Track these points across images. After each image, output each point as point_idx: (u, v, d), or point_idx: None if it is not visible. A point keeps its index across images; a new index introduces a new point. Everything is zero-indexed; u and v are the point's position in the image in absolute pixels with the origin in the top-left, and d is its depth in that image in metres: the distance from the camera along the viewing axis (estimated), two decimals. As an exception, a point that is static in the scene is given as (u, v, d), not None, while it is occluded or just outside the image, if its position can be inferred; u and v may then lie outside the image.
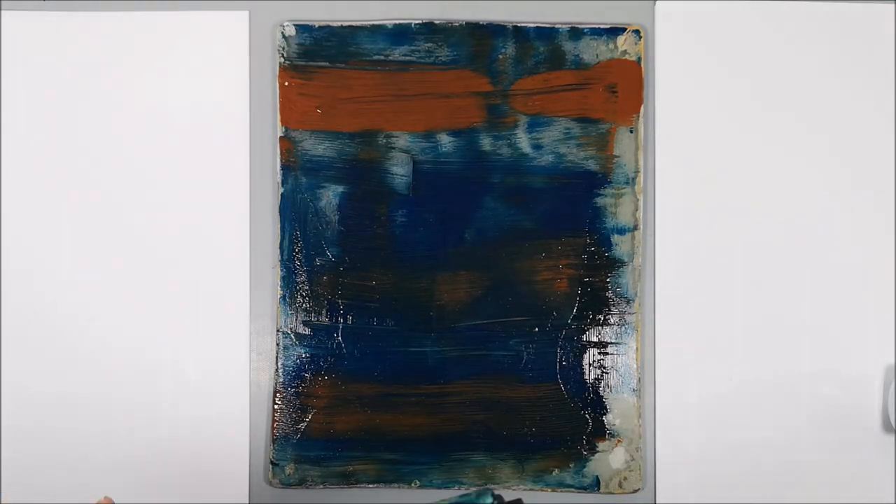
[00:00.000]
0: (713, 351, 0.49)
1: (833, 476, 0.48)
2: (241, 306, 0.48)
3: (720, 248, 0.49)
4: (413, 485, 0.48)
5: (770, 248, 0.49)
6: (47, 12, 0.49)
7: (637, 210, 0.48)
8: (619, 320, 0.48)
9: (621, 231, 0.48)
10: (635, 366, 0.48)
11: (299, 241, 0.48)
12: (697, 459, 0.48)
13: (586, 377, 0.48)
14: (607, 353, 0.48)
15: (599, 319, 0.48)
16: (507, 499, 0.36)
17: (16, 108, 0.48)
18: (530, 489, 0.48)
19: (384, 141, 0.48)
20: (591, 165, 0.48)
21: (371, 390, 0.48)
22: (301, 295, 0.48)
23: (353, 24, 0.48)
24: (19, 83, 0.48)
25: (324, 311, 0.48)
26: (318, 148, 0.48)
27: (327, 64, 0.48)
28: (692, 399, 0.48)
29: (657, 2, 0.49)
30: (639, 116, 0.48)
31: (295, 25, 0.48)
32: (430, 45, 0.48)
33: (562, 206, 0.48)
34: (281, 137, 0.48)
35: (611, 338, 0.48)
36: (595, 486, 0.48)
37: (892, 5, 0.49)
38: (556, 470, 0.48)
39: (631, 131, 0.48)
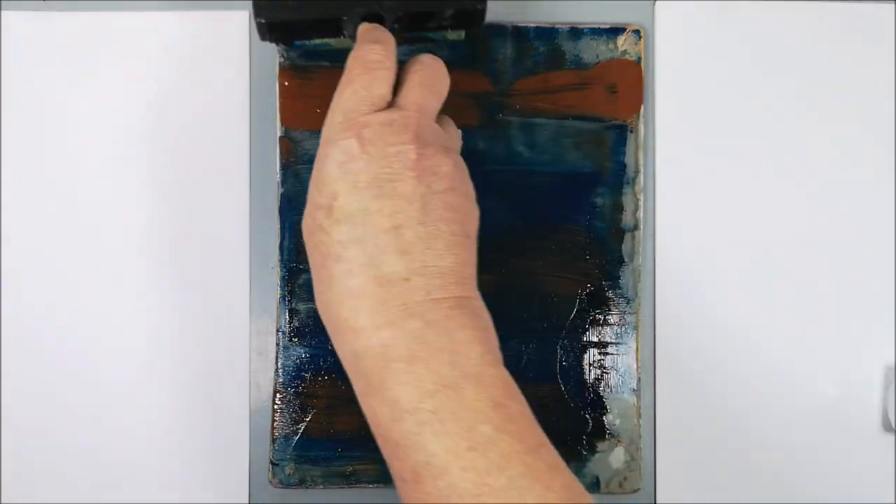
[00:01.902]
0: (713, 351, 0.49)
1: (833, 476, 0.48)
2: (241, 306, 0.48)
3: (720, 248, 0.49)
4: (413, 485, 0.48)
5: (770, 249, 0.49)
6: (47, 12, 0.49)
7: (637, 210, 0.48)
8: (619, 320, 0.48)
9: (621, 231, 0.48)
10: (635, 366, 0.48)
11: (299, 241, 0.48)
12: (697, 459, 0.48)
13: (586, 377, 0.48)
14: (607, 353, 0.48)
15: (599, 319, 0.48)
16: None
17: (16, 108, 0.48)
18: (530, 489, 0.47)
19: (384, 141, 0.48)
20: (591, 165, 0.48)
21: (371, 390, 0.48)
22: (301, 295, 0.48)
23: (353, 24, 0.48)
24: (19, 83, 0.48)
25: (324, 311, 0.48)
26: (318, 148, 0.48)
27: (327, 64, 0.48)
28: (692, 399, 0.48)
29: (657, 2, 0.49)
30: (639, 116, 0.48)
31: (295, 25, 0.48)
32: (429, 45, 0.48)
33: (561, 205, 0.48)
34: (281, 137, 0.48)
35: (611, 338, 0.48)
36: (595, 486, 0.48)
37: (892, 5, 0.49)
38: (556, 470, 0.48)
39: (631, 131, 0.48)
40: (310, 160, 0.48)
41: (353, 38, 0.40)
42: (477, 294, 0.38)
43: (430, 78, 0.39)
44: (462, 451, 0.34)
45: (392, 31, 0.40)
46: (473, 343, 0.35)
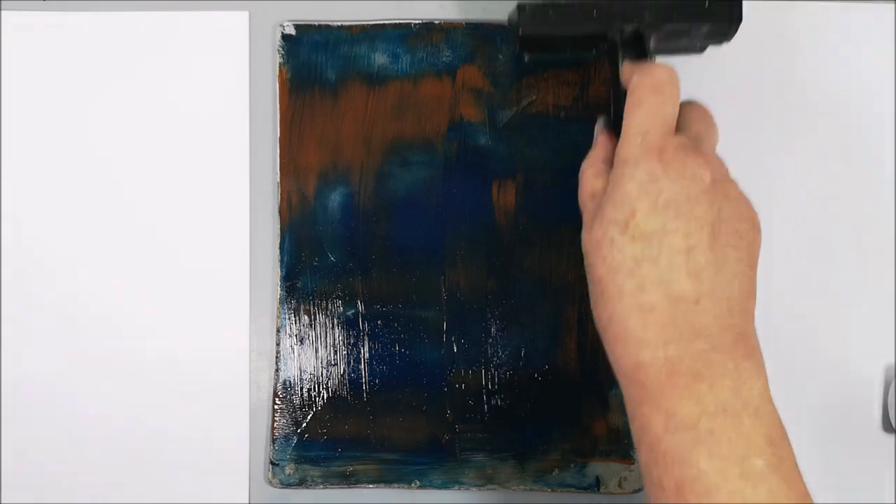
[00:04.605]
0: (713, 351, 0.48)
1: (833, 476, 0.48)
2: (241, 306, 0.48)
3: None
4: (413, 485, 0.48)
5: (770, 248, 0.48)
6: (47, 12, 0.49)
7: (637, 210, 0.48)
8: (619, 320, 0.48)
9: (621, 231, 0.48)
10: (635, 366, 0.48)
11: (299, 241, 0.48)
12: (697, 459, 0.48)
13: (587, 377, 0.48)
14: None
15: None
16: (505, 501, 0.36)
17: (15, 108, 0.48)
18: (531, 489, 0.48)
19: (384, 140, 0.48)
20: (591, 165, 0.48)
21: (371, 390, 0.48)
22: (301, 295, 0.48)
23: (353, 24, 0.48)
24: (19, 83, 0.48)
25: (324, 312, 0.48)
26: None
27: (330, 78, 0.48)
28: (692, 399, 0.48)
29: (657, 2, 0.49)
30: (639, 116, 0.48)
31: (295, 25, 0.48)
32: (430, 45, 0.48)
33: (562, 204, 0.48)
34: (280, 138, 0.48)
35: (611, 338, 0.48)
36: (595, 486, 0.48)
37: (892, 5, 0.49)
38: (557, 470, 0.48)
39: (631, 131, 0.48)
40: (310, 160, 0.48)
41: (608, 55, 0.41)
42: (754, 329, 0.38)
43: (706, 116, 0.41)
44: (733, 477, 0.34)
45: (650, 51, 0.41)
46: (755, 375, 0.36)
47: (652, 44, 0.41)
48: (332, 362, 0.48)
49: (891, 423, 0.48)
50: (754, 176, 0.49)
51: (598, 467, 0.48)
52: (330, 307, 0.48)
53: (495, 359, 0.48)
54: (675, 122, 0.38)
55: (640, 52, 0.41)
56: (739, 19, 0.41)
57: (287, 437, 0.48)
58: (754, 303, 0.38)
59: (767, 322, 0.49)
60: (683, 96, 0.49)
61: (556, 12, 0.41)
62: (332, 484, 0.48)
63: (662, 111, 0.38)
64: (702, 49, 0.45)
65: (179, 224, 0.48)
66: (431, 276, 0.48)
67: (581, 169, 0.40)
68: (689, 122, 0.40)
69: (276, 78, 0.48)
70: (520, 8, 0.41)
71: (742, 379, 0.36)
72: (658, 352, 0.36)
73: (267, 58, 0.49)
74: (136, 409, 0.48)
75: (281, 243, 0.48)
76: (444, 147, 0.48)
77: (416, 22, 0.48)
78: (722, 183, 0.38)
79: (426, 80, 0.48)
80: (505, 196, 0.48)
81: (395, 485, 0.48)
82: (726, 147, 0.49)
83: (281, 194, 0.48)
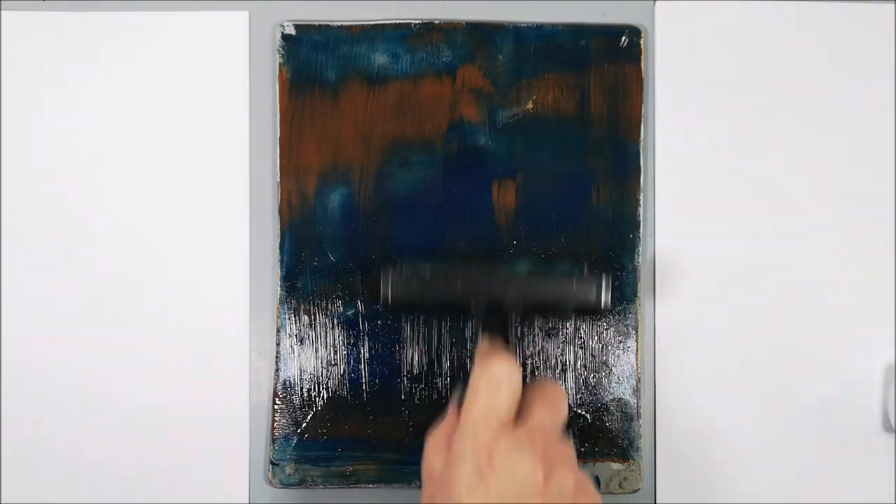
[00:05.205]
0: (713, 351, 0.49)
1: (833, 476, 0.48)
2: (241, 306, 0.48)
3: (720, 249, 0.49)
4: (413, 485, 0.48)
5: (770, 249, 0.49)
6: (47, 12, 0.49)
7: (637, 210, 0.48)
8: (619, 320, 0.48)
9: (621, 231, 0.48)
10: (635, 366, 0.48)
11: (299, 241, 0.48)
12: (697, 459, 0.48)
13: (586, 377, 0.48)
14: (607, 353, 0.48)
15: (600, 319, 0.48)
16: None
17: (15, 108, 0.48)
18: (530, 489, 0.48)
19: (384, 140, 0.48)
20: (591, 165, 0.48)
21: (371, 390, 0.48)
22: (301, 295, 0.48)
23: (353, 24, 0.48)
24: (19, 83, 0.48)
25: (324, 312, 0.48)
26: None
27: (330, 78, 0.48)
28: (692, 399, 0.48)
29: (657, 2, 0.49)
30: (639, 117, 0.48)
31: (295, 25, 0.48)
32: (430, 45, 0.48)
33: (561, 205, 0.48)
34: (280, 137, 0.48)
35: (611, 338, 0.48)
36: (595, 486, 0.47)
37: (892, 5, 0.49)
38: (556, 470, 0.48)
39: (631, 131, 0.48)
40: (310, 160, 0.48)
41: (473, 324, 0.43)
42: None
43: (552, 399, 0.39)
44: None
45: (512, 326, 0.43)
46: None
47: (517, 318, 0.43)
48: (332, 362, 0.48)
49: (891, 423, 0.48)
50: (753, 176, 0.49)
51: (597, 467, 0.48)
52: (330, 307, 0.48)
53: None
54: (512, 414, 0.37)
55: (503, 326, 0.42)
56: (607, 306, 0.44)
57: (287, 437, 0.48)
58: None
59: (768, 322, 0.49)
60: (688, 93, 0.49)
61: (419, 286, 0.43)
62: (332, 484, 0.48)
63: (496, 406, 0.37)
64: (572, 315, 0.47)
65: (179, 224, 0.48)
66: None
67: (426, 435, 0.39)
68: (533, 407, 0.38)
69: (276, 78, 0.48)
70: (383, 274, 0.43)
71: None
72: None
73: (267, 58, 0.49)
74: (136, 408, 0.48)
75: (281, 243, 0.48)
76: (444, 147, 0.48)
77: (416, 22, 0.48)
78: (558, 475, 0.37)
79: (426, 80, 0.48)
80: (505, 196, 0.48)
81: (395, 485, 0.48)
82: (727, 146, 0.49)
83: (281, 194, 0.48)
